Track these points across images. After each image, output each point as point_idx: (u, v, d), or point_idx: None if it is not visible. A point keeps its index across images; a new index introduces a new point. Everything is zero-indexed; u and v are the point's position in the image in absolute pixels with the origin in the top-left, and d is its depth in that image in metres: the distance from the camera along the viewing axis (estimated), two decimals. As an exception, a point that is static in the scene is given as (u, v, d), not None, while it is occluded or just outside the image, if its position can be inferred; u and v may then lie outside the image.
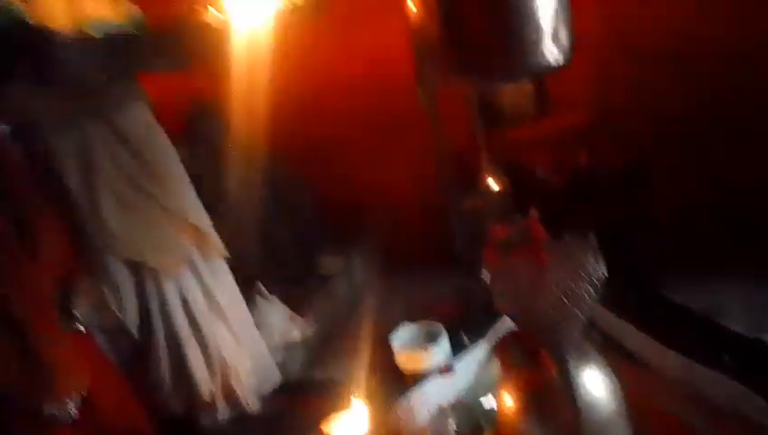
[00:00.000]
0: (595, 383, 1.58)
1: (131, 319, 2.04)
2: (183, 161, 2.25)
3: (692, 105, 3.16)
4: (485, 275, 1.55)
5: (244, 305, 2.37)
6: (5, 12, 1.67)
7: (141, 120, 2.07)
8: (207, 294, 2.17)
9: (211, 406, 2.15)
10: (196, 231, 2.15)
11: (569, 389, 1.51)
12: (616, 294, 2.31)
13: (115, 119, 1.96)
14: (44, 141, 1.85)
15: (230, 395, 2.18)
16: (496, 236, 1.63)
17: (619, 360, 1.92)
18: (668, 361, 2.05)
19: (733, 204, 3.05)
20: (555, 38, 1.25)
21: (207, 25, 1.90)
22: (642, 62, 3.23)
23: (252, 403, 2.24)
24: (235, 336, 2.22)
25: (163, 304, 2.06)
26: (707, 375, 1.89)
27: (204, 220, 2.21)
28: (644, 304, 2.30)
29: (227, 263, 2.36)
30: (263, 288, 2.73)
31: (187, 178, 2.22)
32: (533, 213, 1.69)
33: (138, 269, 2.02)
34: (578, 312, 1.50)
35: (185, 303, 2.10)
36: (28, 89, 1.79)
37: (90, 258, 1.96)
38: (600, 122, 3.38)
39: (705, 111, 3.17)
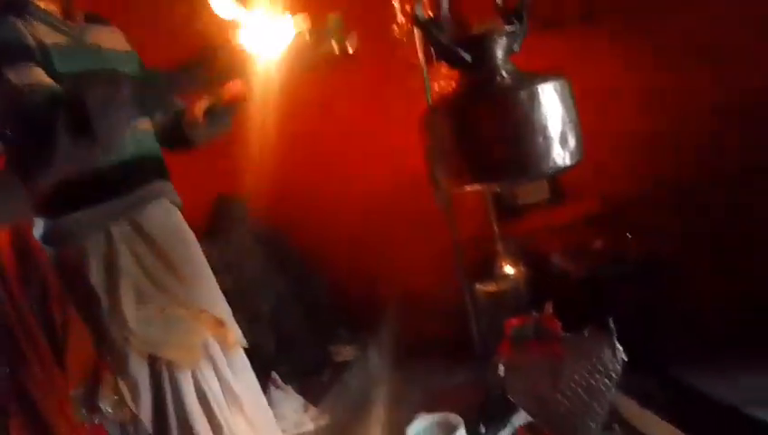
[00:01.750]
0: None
1: (146, 414, 2.03)
2: (207, 254, 2.31)
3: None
4: (501, 370, 1.55)
5: (263, 398, 2.33)
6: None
7: (168, 220, 2.14)
8: (226, 385, 2.15)
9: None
10: (216, 323, 2.16)
11: (591, 488, 1.47)
12: (640, 384, 2.28)
13: (140, 219, 2.03)
14: (75, 244, 1.92)
15: None
16: (512, 329, 1.65)
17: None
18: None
19: (757, 291, 3.02)
20: (563, 142, 1.31)
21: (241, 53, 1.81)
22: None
23: None
24: (253, 427, 2.18)
25: (177, 394, 2.05)
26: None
27: (224, 312, 2.23)
28: (669, 394, 2.24)
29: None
30: (278, 379, 2.71)
31: (209, 272, 2.27)
32: (549, 307, 1.71)
33: (154, 362, 2.03)
34: (596, 405, 1.47)
35: (201, 395, 2.09)
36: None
37: (111, 356, 1.99)
38: (616, 211, 3.43)
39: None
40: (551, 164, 1.33)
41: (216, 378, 2.15)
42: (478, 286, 3.46)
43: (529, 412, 1.50)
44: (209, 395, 2.09)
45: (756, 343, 2.80)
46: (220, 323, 2.15)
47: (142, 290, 1.98)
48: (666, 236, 3.21)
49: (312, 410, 2.65)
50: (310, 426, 2.58)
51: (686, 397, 2.23)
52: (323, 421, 2.64)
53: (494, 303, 3.20)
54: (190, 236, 2.21)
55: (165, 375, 2.04)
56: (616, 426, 2.25)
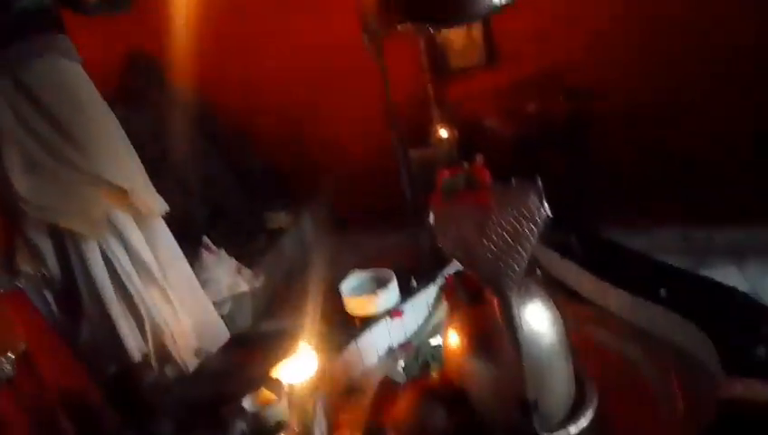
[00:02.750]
0: (537, 319, 1.63)
1: (55, 279, 1.99)
2: (123, 119, 2.15)
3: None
4: (431, 219, 1.55)
5: (185, 264, 2.31)
6: None
7: (60, 79, 1.93)
8: (136, 256, 2.10)
9: (147, 366, 2.12)
10: (123, 193, 2.06)
11: (511, 325, 1.55)
12: (561, 237, 2.40)
13: (25, 77, 1.82)
14: None
15: (165, 356, 2.15)
16: (443, 180, 1.64)
17: (561, 299, 1.99)
18: (610, 298, 2.13)
19: (671, 149, 3.17)
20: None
21: None
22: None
23: (190, 365, 2.21)
24: (168, 298, 2.17)
25: (85, 265, 1.99)
26: (646, 309, 1.97)
27: (134, 181, 2.12)
28: (587, 245, 2.37)
29: (170, 220, 2.30)
30: (209, 243, 2.68)
31: (116, 138, 2.12)
32: (479, 158, 1.70)
33: (56, 231, 1.95)
34: (520, 249, 1.52)
35: (109, 265, 2.04)
36: None
37: (14, 222, 1.89)
38: (550, 76, 3.41)
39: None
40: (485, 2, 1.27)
41: (124, 250, 2.09)
42: (412, 151, 3.45)
43: (457, 258, 1.53)
44: (117, 267, 2.05)
45: (667, 198, 3.00)
46: (124, 193, 2.05)
47: (31, 155, 1.84)
48: (597, 98, 3.25)
49: (246, 272, 2.67)
50: (244, 287, 2.60)
51: (603, 248, 2.37)
52: (258, 283, 2.66)
53: (428, 167, 3.21)
54: (91, 97, 2.03)
55: (70, 245, 1.98)
56: (538, 270, 2.38)
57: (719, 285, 1.96)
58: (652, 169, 3.16)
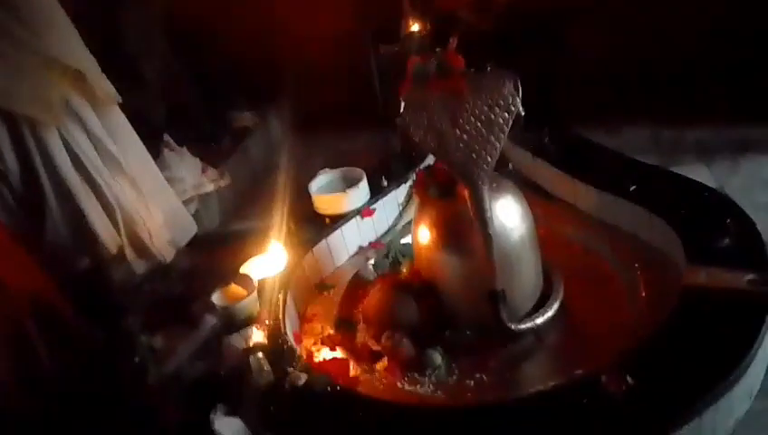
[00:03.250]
0: (508, 213, 1.62)
1: (14, 175, 1.87)
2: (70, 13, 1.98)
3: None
4: (401, 106, 1.48)
5: (148, 156, 2.20)
6: None
7: None
8: (99, 144, 1.99)
9: (121, 260, 2.07)
10: (75, 76, 1.92)
11: (482, 218, 1.53)
12: (533, 135, 2.36)
13: None
14: None
15: (140, 248, 2.10)
16: (414, 66, 1.55)
17: (532, 196, 1.98)
18: (579, 194, 2.14)
19: (644, 52, 3.11)
20: None
21: None
22: None
23: (167, 256, 2.17)
24: (137, 188, 2.08)
25: (46, 156, 1.88)
26: (615, 205, 1.98)
27: (89, 65, 1.98)
28: (558, 143, 2.34)
29: (130, 117, 2.18)
30: (171, 141, 2.56)
31: (68, 22, 1.96)
32: (453, 42, 1.61)
33: (12, 120, 1.82)
34: (493, 139, 1.47)
35: (72, 154, 1.92)
36: None
37: None
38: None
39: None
40: None
41: (87, 138, 1.98)
42: (382, 47, 3.31)
43: (428, 148, 1.48)
44: (81, 155, 1.95)
45: (638, 99, 2.97)
46: (80, 76, 1.92)
47: None
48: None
49: (212, 172, 2.58)
50: (210, 187, 2.53)
51: (574, 146, 2.34)
52: (224, 183, 2.58)
53: (399, 63, 3.07)
54: None
55: (28, 134, 1.86)
56: (511, 165, 2.37)
57: (687, 181, 1.97)
58: (624, 69, 3.10)
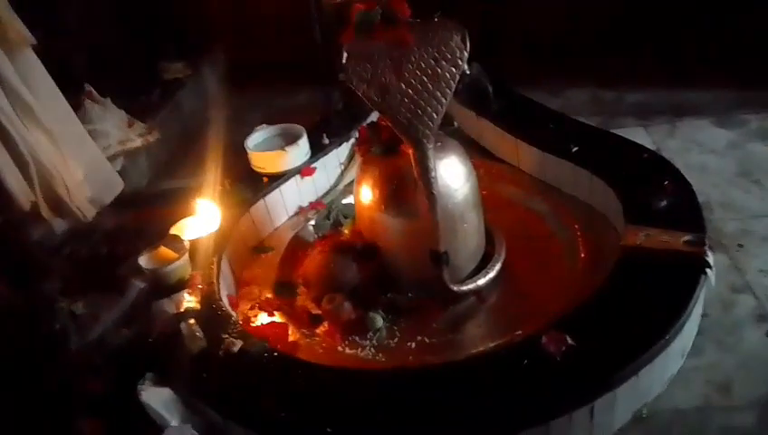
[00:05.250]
0: (452, 172, 1.57)
1: None
2: None
3: None
4: (344, 57, 1.39)
5: (67, 107, 2.02)
6: None
7: None
8: (11, 91, 1.80)
9: (37, 217, 1.90)
10: None
11: (426, 177, 1.48)
12: (477, 96, 2.32)
13: None
14: None
15: (57, 205, 1.93)
16: (357, 14, 1.45)
17: (475, 156, 1.95)
18: (521, 155, 2.12)
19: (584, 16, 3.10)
20: None
21: None
22: None
23: (87, 214, 2.01)
24: (54, 140, 1.90)
25: None
26: (556, 165, 1.98)
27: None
28: (501, 103, 2.31)
29: (48, 64, 1.98)
30: (94, 92, 2.35)
31: None
32: (398, -11, 1.52)
33: None
34: (439, 95, 1.41)
35: None
36: None
37: None
38: None
39: None
40: None
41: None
42: (323, -1, 3.16)
43: (371, 102, 1.40)
44: None
45: (580, 60, 2.98)
46: None
47: None
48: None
49: (139, 126, 2.40)
50: (138, 143, 2.35)
51: (516, 106, 2.32)
52: (153, 138, 2.41)
53: (342, 15, 2.94)
54: None
55: None
56: (456, 124, 2.33)
57: (627, 143, 1.99)
58: (565, 31, 3.09)
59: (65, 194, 1.93)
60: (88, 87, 2.36)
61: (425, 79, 1.40)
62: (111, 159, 2.25)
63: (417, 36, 1.39)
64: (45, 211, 1.90)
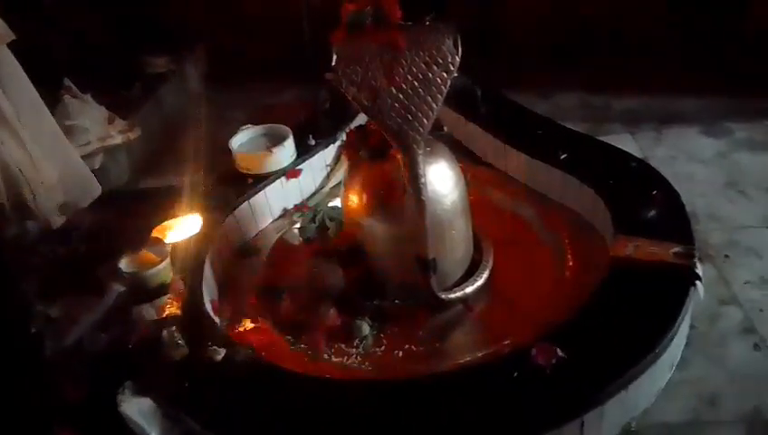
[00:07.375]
0: (441, 178, 1.54)
1: None
2: None
3: None
4: (333, 58, 1.35)
5: (40, 103, 1.94)
6: None
7: None
8: None
9: (4, 219, 1.83)
10: None
11: (415, 183, 1.45)
12: (466, 101, 2.30)
13: None
14: None
15: (23, 210, 1.86)
16: (348, 14, 1.42)
17: (463, 161, 1.93)
18: (510, 160, 2.11)
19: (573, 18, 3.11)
20: None
21: None
22: None
23: (52, 221, 1.94)
24: (22, 142, 1.83)
25: None
26: (544, 172, 1.96)
27: None
28: (491, 108, 2.30)
29: (19, 55, 1.91)
30: (73, 86, 2.29)
31: None
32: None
33: None
34: (430, 100, 1.38)
35: None
36: None
37: None
38: None
39: None
40: None
41: None
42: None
43: (361, 105, 1.37)
44: None
45: (568, 66, 2.98)
46: None
47: None
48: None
49: (119, 123, 2.34)
50: (118, 139, 2.29)
51: (506, 111, 2.31)
52: (133, 135, 2.35)
53: (332, 14, 2.90)
54: None
55: None
56: (446, 128, 2.31)
57: (616, 151, 1.98)
58: (555, 37, 3.10)
59: (30, 199, 1.86)
60: (67, 82, 2.30)
61: (416, 83, 1.37)
62: (90, 156, 2.19)
63: (409, 39, 1.36)
64: (10, 213, 1.84)
